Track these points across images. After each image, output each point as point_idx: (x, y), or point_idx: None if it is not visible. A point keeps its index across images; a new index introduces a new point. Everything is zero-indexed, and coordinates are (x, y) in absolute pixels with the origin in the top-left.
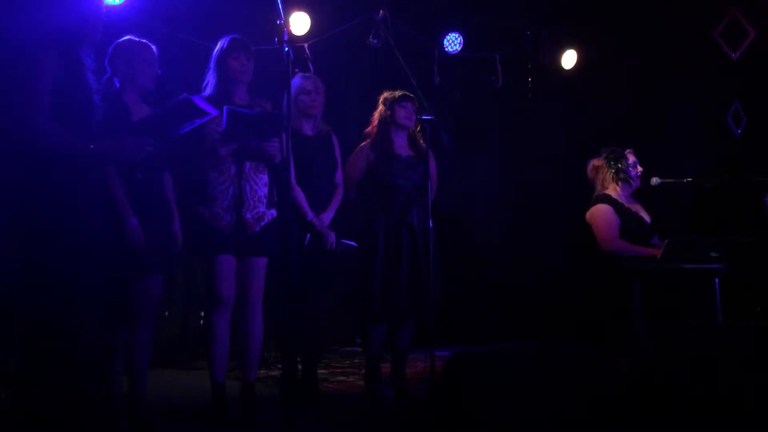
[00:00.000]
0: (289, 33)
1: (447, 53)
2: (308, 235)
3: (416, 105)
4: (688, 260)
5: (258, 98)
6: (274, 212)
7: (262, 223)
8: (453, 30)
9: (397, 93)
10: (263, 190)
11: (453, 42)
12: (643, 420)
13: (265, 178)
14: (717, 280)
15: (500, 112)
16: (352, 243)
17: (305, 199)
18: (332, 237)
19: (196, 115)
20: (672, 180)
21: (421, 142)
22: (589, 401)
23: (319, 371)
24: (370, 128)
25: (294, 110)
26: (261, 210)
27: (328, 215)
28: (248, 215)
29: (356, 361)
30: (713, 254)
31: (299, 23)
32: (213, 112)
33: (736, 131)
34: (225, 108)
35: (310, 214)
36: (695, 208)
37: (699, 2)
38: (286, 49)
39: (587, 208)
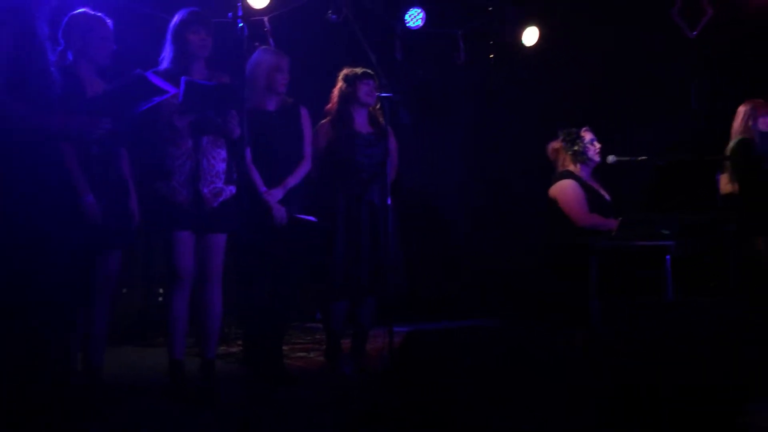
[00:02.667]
0: (246, 7)
1: (409, 28)
2: (258, 210)
3: (377, 82)
4: (641, 237)
5: (217, 72)
6: (233, 189)
7: (220, 199)
8: (415, 5)
9: (359, 70)
10: (221, 166)
11: (415, 17)
12: (595, 398)
13: (224, 153)
14: (668, 257)
15: (464, 88)
16: (310, 218)
17: (261, 175)
18: (281, 212)
19: (152, 93)
20: (628, 158)
21: (381, 119)
22: (540, 379)
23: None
24: (330, 105)
25: (262, 86)
26: (219, 185)
27: (284, 186)
28: (205, 190)
29: (317, 337)
30: (664, 231)
31: None
32: (170, 89)
33: (694, 109)
34: (182, 79)
35: (262, 188)
36: (652, 186)
37: None
38: (241, 24)
39: (551, 185)
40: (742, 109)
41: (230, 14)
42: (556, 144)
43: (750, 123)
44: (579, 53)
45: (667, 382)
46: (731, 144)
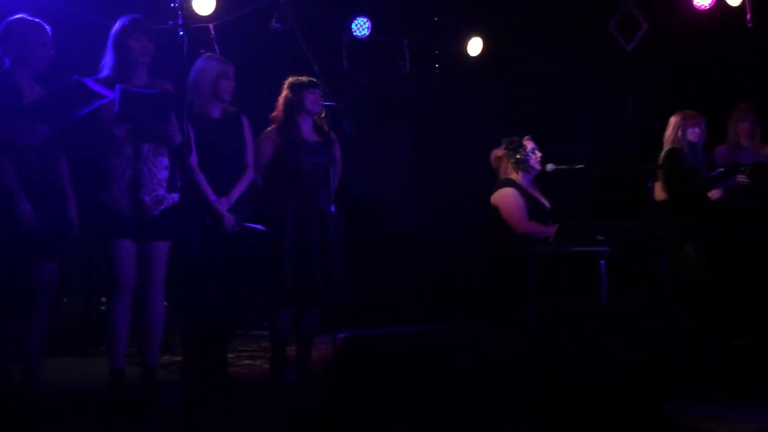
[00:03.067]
0: (191, 14)
1: (355, 37)
2: (206, 218)
3: (322, 91)
4: (577, 243)
5: (159, 79)
6: (175, 196)
7: (162, 207)
8: (361, 14)
9: (305, 78)
10: (163, 174)
11: (361, 26)
12: (529, 398)
13: (165, 161)
14: (603, 262)
15: (410, 97)
16: (258, 226)
17: (207, 182)
18: (231, 220)
19: (90, 98)
20: (566, 167)
21: (326, 127)
22: (473, 381)
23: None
24: (275, 113)
25: (206, 92)
26: (160, 193)
27: (229, 199)
28: (146, 198)
29: (263, 344)
30: (599, 238)
31: (204, 3)
32: (108, 94)
33: (630, 120)
34: (117, 87)
35: (212, 197)
36: (589, 193)
37: None
38: (181, 33)
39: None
40: (673, 120)
41: (170, 22)
42: (498, 152)
43: (680, 133)
44: (521, 64)
45: (597, 382)
46: (662, 153)
